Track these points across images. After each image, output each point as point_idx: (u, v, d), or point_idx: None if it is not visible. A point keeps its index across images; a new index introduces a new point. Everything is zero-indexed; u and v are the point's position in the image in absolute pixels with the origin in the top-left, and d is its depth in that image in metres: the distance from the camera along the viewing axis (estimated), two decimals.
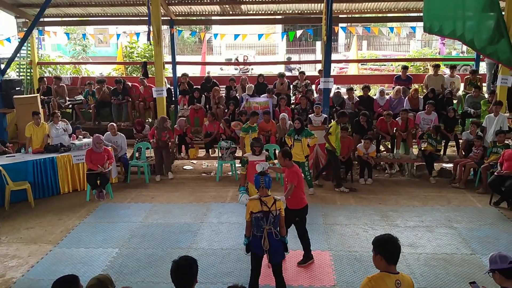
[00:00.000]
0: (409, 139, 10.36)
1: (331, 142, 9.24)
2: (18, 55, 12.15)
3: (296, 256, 6.38)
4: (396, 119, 10.53)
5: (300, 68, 22.17)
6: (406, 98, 11.40)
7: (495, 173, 8.55)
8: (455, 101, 11.76)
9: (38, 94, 12.18)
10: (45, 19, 13.66)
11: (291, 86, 12.61)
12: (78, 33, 23.31)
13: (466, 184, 9.51)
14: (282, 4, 12.67)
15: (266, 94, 11.73)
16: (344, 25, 14.16)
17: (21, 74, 14.30)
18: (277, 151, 9.54)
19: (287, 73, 16.55)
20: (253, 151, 7.14)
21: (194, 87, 12.53)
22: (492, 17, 4.60)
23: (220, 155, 10.55)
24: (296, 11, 13.04)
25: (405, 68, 12.72)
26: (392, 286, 3.28)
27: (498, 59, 4.82)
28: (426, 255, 6.53)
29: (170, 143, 10.50)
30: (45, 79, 13.13)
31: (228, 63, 24.19)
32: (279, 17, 14.46)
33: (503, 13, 9.66)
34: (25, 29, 13.08)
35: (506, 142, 9.32)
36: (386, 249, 3.36)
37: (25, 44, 13.20)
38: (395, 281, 3.30)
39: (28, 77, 14.18)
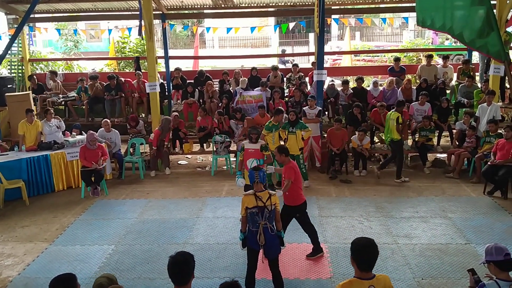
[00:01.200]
0: (405, 131, 10.38)
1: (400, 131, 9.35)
2: (9, 52, 12.04)
3: (292, 249, 6.42)
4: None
5: (293, 60, 22.12)
6: (400, 89, 11.41)
7: (489, 163, 8.60)
8: (448, 91, 11.77)
9: (30, 92, 12.11)
10: (36, 15, 13.54)
11: (285, 79, 12.58)
12: (69, 28, 23.11)
13: (460, 174, 9.56)
14: None
15: (259, 88, 11.71)
16: (336, 16, 14.15)
17: (12, 71, 14.18)
18: (274, 148, 9.51)
19: (281, 66, 16.50)
20: (249, 139, 7.32)
21: (188, 81, 12.48)
22: (481, 10, 4.58)
23: (214, 149, 10.54)
24: (289, 3, 12.98)
25: (397, 60, 12.68)
26: None
27: (488, 52, 4.80)
28: (421, 245, 6.58)
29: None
30: (35, 76, 13.02)
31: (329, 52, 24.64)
32: (272, 9, 14.38)
33: (494, 2, 9.69)
34: (15, 25, 12.96)
35: (499, 131, 9.36)
36: (359, 255, 3.26)
37: (16, 41, 13.07)
38: (368, 286, 3.21)
39: (20, 74, 14.07)
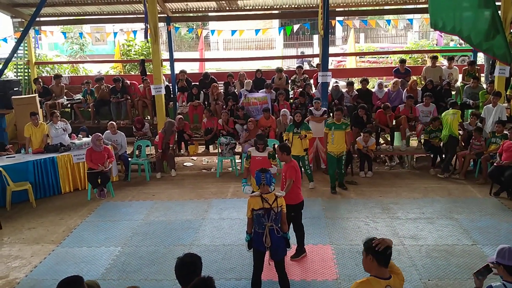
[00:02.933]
0: (403, 131, 10.36)
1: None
2: (15, 55, 12.12)
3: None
4: (399, 106, 10.57)
5: (309, 61, 22.21)
6: (405, 90, 11.39)
7: (495, 164, 8.57)
8: (453, 93, 11.75)
9: (36, 95, 12.18)
10: (41, 19, 13.61)
11: (289, 80, 12.59)
12: (74, 32, 23.24)
13: (466, 175, 9.53)
14: None
15: (264, 89, 11.72)
16: (341, 18, 14.12)
17: (19, 74, 14.27)
18: (276, 146, 9.51)
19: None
20: (256, 148, 7.00)
21: (193, 83, 12.51)
22: (487, 13, 4.60)
23: (219, 151, 10.56)
24: (293, 5, 13.00)
25: (402, 61, 12.64)
26: None
27: (494, 54, 4.81)
28: (427, 246, 6.56)
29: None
30: (40, 79, 13.09)
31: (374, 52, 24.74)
32: (276, 12, 14.40)
33: (499, 3, 9.67)
34: (21, 29, 13.04)
35: (504, 132, 9.32)
36: (380, 250, 3.22)
37: (22, 44, 13.16)
38: (385, 286, 3.16)
39: (26, 77, 14.16)
